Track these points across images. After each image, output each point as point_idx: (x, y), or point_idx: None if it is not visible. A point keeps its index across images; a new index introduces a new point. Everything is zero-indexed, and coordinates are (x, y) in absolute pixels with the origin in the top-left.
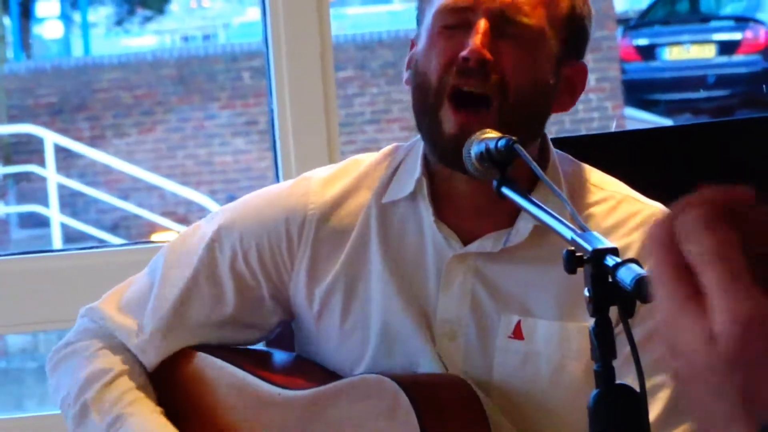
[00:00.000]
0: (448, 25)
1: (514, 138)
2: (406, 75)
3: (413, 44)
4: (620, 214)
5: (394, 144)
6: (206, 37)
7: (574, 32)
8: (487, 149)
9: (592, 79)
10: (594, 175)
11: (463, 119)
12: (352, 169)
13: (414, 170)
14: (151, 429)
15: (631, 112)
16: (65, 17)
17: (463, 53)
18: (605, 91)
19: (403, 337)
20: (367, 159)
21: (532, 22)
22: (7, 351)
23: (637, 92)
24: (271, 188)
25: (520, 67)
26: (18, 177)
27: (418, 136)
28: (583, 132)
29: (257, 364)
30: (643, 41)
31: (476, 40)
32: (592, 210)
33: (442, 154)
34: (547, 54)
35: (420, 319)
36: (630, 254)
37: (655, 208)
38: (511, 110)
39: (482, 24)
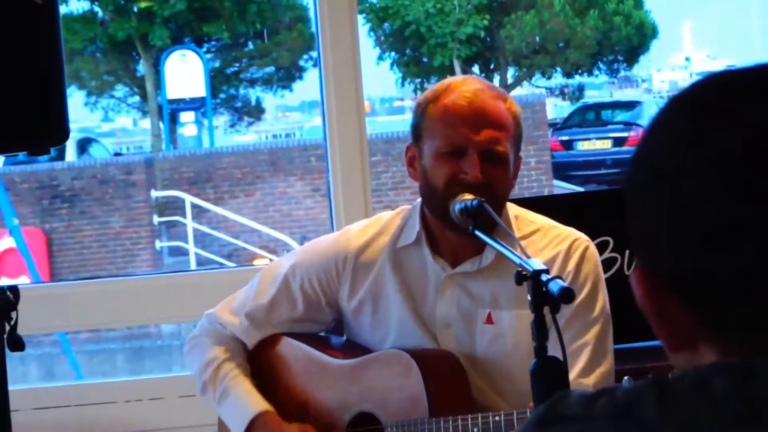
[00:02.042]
0: (449, 152)
1: (482, 199)
2: (410, 170)
3: (409, 149)
4: (548, 238)
5: (402, 207)
6: (287, 135)
7: (518, 138)
8: (465, 206)
9: (532, 162)
10: (530, 215)
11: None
12: (377, 223)
13: (415, 225)
14: (243, 397)
15: (557, 182)
16: (198, 122)
17: (469, 180)
18: (541, 169)
19: (411, 330)
20: (386, 216)
21: (503, 148)
22: (161, 335)
23: (561, 170)
24: (326, 237)
25: (501, 180)
26: (168, 224)
27: (418, 200)
28: (527, 195)
29: (319, 344)
30: (564, 137)
31: (476, 172)
32: (531, 238)
33: (448, 223)
34: (510, 161)
35: (422, 319)
36: (557, 263)
37: (568, 231)
38: (496, 203)
39: (475, 158)
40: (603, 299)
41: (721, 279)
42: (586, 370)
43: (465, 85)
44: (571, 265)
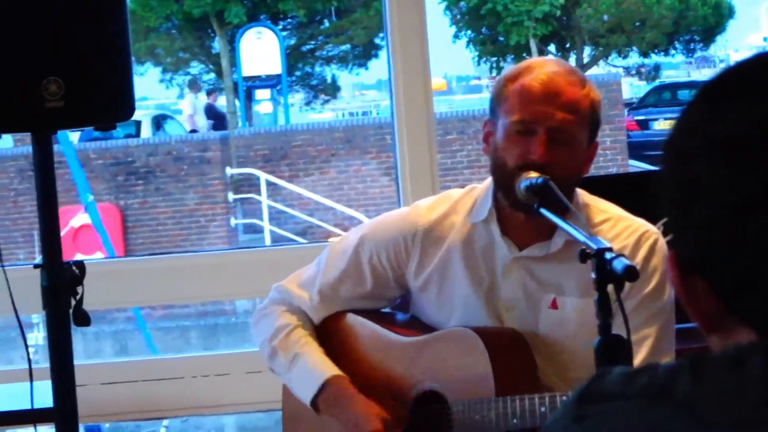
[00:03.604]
0: (519, 131)
1: (547, 177)
2: (484, 145)
3: (486, 124)
4: (618, 228)
5: (472, 185)
6: (364, 113)
7: (594, 125)
8: (531, 184)
9: (608, 141)
10: (601, 204)
11: (511, 191)
12: (446, 200)
13: (486, 203)
14: (316, 362)
15: (632, 162)
16: (274, 100)
17: (533, 158)
18: (616, 149)
19: (476, 309)
20: (455, 194)
21: (572, 131)
22: (236, 311)
23: (636, 150)
24: (395, 212)
25: (564, 162)
26: (243, 201)
27: (489, 178)
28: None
29: (385, 321)
30: (640, 117)
31: (540, 150)
32: (600, 227)
33: (514, 201)
34: (581, 147)
35: (487, 299)
36: (625, 254)
37: (639, 223)
38: (558, 184)
39: (543, 137)
40: (669, 293)
41: (738, 259)
42: (646, 362)
43: (544, 67)
44: (640, 256)
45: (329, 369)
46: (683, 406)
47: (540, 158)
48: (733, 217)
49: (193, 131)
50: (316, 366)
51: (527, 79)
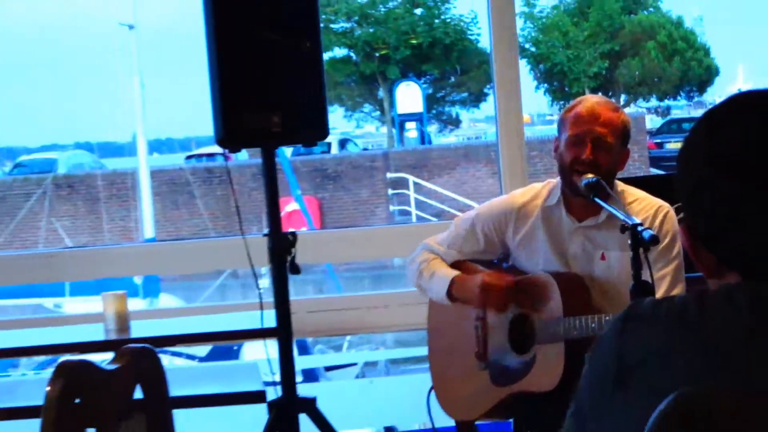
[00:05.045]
0: (574, 142)
1: (599, 176)
2: (554, 153)
3: (555, 140)
4: (642, 205)
5: (549, 180)
6: (476, 137)
7: (625, 137)
8: (589, 182)
9: (636, 156)
10: (631, 189)
11: (574, 180)
12: (531, 190)
13: (557, 193)
14: (445, 271)
15: (653, 169)
16: (418, 128)
17: (583, 159)
18: (641, 161)
19: (552, 260)
20: (537, 185)
21: (609, 140)
22: (393, 266)
23: (654, 162)
24: (498, 198)
25: (604, 161)
26: (398, 194)
27: (557, 177)
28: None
29: (492, 268)
30: (657, 140)
31: (587, 153)
32: (631, 205)
33: (576, 191)
34: (616, 152)
35: (559, 253)
36: (647, 222)
37: (656, 201)
38: (602, 176)
39: (588, 144)
40: (678, 246)
41: (727, 235)
42: (667, 291)
43: (589, 100)
44: (657, 223)
45: (452, 273)
46: (692, 327)
47: (587, 158)
48: (721, 204)
49: (365, 149)
50: (446, 273)
51: (578, 108)
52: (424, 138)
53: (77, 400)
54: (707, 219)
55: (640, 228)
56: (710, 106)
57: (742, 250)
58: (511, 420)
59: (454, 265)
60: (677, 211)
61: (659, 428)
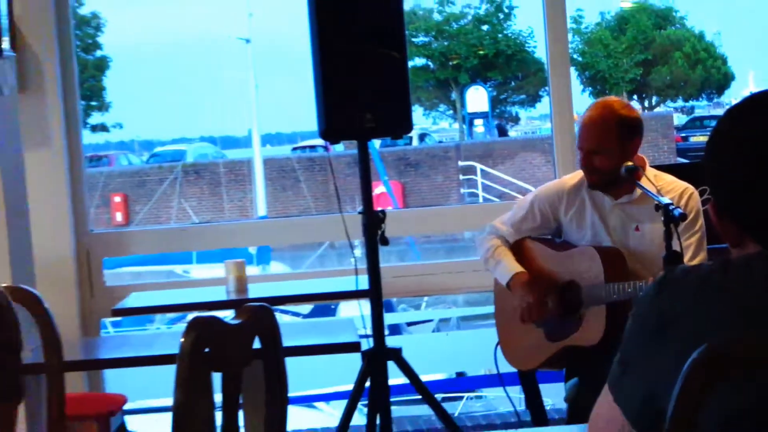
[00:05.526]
0: (579, 148)
1: (634, 164)
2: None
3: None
4: (671, 186)
5: None
6: (533, 132)
7: (624, 132)
8: (627, 167)
9: (665, 148)
10: (661, 174)
11: (588, 178)
12: (579, 175)
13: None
14: (508, 264)
15: (680, 159)
16: (485, 125)
17: (583, 166)
18: (669, 152)
19: (597, 233)
20: (581, 172)
21: (604, 146)
22: (464, 238)
23: (681, 153)
24: (552, 182)
25: (600, 163)
26: (467, 180)
27: None
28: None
29: (548, 242)
30: (683, 135)
31: (583, 162)
32: (661, 186)
33: (589, 185)
34: (612, 152)
35: (601, 227)
36: (675, 201)
37: (682, 183)
38: (603, 176)
39: (583, 154)
40: (701, 221)
41: (747, 209)
42: (691, 258)
43: (587, 113)
44: (683, 202)
45: (515, 268)
46: (718, 290)
47: (583, 164)
48: (743, 185)
49: (440, 142)
50: (508, 266)
51: (581, 119)
52: (489, 133)
53: (207, 350)
54: (731, 197)
55: (671, 207)
56: (729, 105)
57: (761, 216)
58: (563, 369)
59: (515, 245)
60: (701, 194)
61: (692, 372)
